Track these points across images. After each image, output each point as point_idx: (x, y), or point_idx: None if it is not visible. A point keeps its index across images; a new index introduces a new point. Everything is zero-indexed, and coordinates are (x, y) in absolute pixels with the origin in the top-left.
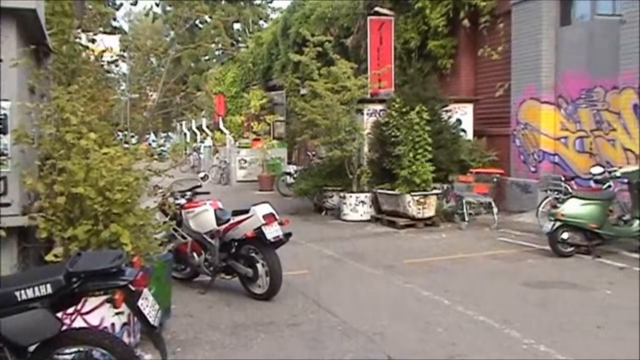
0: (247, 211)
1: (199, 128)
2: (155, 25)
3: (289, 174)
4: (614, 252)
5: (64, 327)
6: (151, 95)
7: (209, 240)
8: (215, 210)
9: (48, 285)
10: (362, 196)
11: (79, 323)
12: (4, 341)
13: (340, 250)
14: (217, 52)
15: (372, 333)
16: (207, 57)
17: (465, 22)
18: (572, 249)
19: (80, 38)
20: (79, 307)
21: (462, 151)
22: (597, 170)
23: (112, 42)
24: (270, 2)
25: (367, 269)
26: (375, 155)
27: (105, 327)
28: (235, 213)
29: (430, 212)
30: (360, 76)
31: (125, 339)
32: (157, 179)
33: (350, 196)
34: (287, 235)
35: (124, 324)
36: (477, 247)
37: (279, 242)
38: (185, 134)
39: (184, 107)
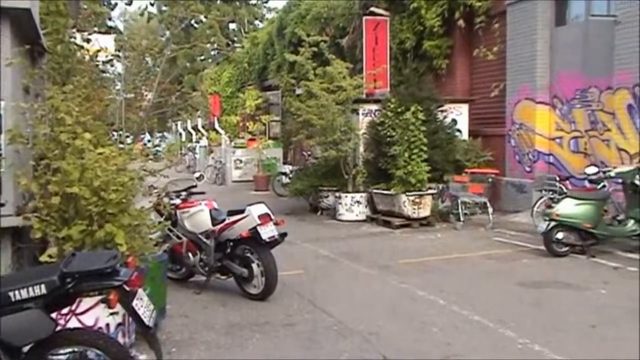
0: (242, 211)
1: (195, 128)
2: (150, 25)
3: (284, 174)
4: (608, 251)
5: (59, 328)
6: (146, 95)
7: (204, 240)
8: (210, 211)
9: (42, 286)
10: (357, 196)
11: (73, 323)
12: None
13: (336, 250)
14: (212, 52)
15: (368, 333)
16: (202, 57)
17: (461, 22)
18: (566, 248)
19: (75, 38)
20: (73, 307)
21: (458, 151)
22: (592, 170)
23: (107, 42)
24: (266, 2)
25: (363, 269)
26: (371, 155)
27: (100, 328)
28: (231, 213)
29: (425, 212)
30: (355, 76)
31: (120, 340)
32: (152, 179)
33: (346, 196)
34: (283, 235)
35: (119, 325)
36: (472, 247)
37: (274, 242)
38: (180, 134)
39: (180, 107)
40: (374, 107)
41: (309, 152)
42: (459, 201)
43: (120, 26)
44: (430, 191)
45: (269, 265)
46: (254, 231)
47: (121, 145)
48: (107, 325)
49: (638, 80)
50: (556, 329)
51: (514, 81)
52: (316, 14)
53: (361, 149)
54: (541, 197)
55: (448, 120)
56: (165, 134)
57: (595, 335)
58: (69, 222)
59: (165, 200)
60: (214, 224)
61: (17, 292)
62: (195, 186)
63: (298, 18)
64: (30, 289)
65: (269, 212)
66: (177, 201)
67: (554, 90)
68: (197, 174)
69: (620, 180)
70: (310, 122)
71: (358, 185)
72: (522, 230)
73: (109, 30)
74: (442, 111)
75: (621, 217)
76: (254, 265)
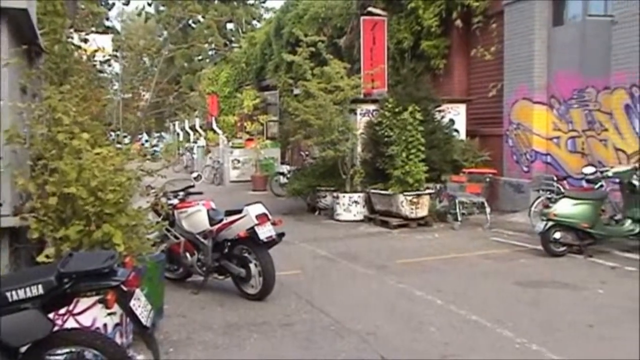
0: (240, 211)
1: (192, 128)
2: (148, 25)
3: (282, 174)
4: (605, 251)
5: (56, 328)
6: (144, 95)
7: (202, 240)
8: (208, 211)
9: (39, 286)
10: (355, 196)
11: (70, 324)
12: None
13: (334, 250)
14: (210, 52)
15: (365, 333)
16: (200, 57)
17: (458, 22)
18: (564, 248)
19: (72, 38)
20: (70, 307)
21: (455, 151)
22: (589, 170)
23: (104, 42)
24: (264, 2)
25: (360, 269)
26: (369, 155)
27: (98, 328)
28: (228, 213)
29: (423, 212)
30: (353, 76)
31: (118, 340)
32: (149, 179)
33: (344, 196)
34: (280, 235)
35: (116, 325)
36: (469, 247)
37: (271, 242)
38: (178, 134)
39: (177, 107)
40: (371, 107)
41: (307, 152)
42: (457, 201)
43: (118, 26)
44: (427, 191)
45: (266, 265)
46: (252, 231)
47: (119, 146)
48: (105, 325)
49: (635, 80)
50: (554, 328)
51: (512, 81)
52: (314, 14)
53: (359, 149)
54: (539, 197)
55: (446, 120)
56: (163, 134)
57: (593, 335)
58: (66, 222)
59: (163, 200)
60: (211, 224)
61: (14, 292)
62: (192, 186)
63: (296, 18)
64: (28, 289)
65: (266, 212)
66: (175, 201)
67: (552, 90)
68: (194, 174)
69: (617, 180)
70: (308, 122)
71: (356, 185)
72: (519, 230)
73: (107, 30)
74: (439, 111)
75: (618, 216)
76: (252, 265)
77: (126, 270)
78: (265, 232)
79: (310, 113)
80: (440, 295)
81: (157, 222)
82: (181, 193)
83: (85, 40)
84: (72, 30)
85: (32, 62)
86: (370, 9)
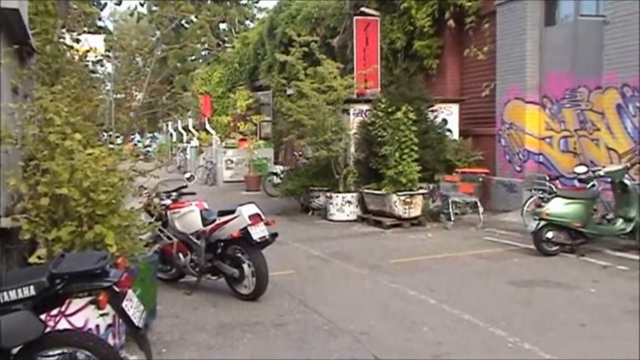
0: (233, 211)
1: (185, 128)
2: (140, 25)
3: (275, 174)
4: (597, 250)
5: (48, 329)
6: (136, 96)
7: (195, 240)
8: (201, 211)
9: (31, 287)
10: (348, 196)
11: (63, 325)
12: None
13: (327, 250)
14: (203, 52)
15: (359, 333)
16: (193, 57)
17: (451, 22)
18: (556, 247)
19: (64, 38)
20: (63, 308)
21: (448, 151)
22: (581, 169)
23: (96, 42)
24: (257, 2)
25: (354, 269)
26: (362, 155)
27: (90, 329)
28: (221, 213)
29: (416, 211)
30: (346, 76)
31: (110, 341)
32: (142, 180)
33: (337, 196)
34: (274, 235)
35: (109, 326)
36: (462, 247)
37: (265, 243)
38: (171, 135)
39: (170, 108)
40: (364, 107)
41: (300, 152)
42: (450, 201)
43: (110, 26)
44: (421, 191)
45: (259, 265)
46: (245, 231)
47: (111, 146)
48: (97, 326)
49: (627, 79)
50: (546, 327)
51: (504, 81)
52: (307, 14)
53: (352, 149)
54: (531, 197)
55: (439, 120)
56: (155, 134)
57: (585, 334)
58: (58, 223)
59: (156, 200)
60: (204, 225)
61: (5, 293)
62: (185, 186)
63: (289, 18)
64: (19, 290)
65: (259, 212)
66: (168, 202)
67: (544, 90)
68: (187, 175)
69: (609, 180)
70: (301, 122)
71: (349, 185)
72: (512, 229)
73: (99, 30)
74: (432, 111)
75: (610, 216)
76: (245, 266)
77: (118, 271)
78: (258, 232)
79: (304, 113)
80: (433, 295)
81: (150, 223)
82: (174, 193)
83: (78, 41)
84: (64, 30)
85: (23, 62)
86: (363, 9)
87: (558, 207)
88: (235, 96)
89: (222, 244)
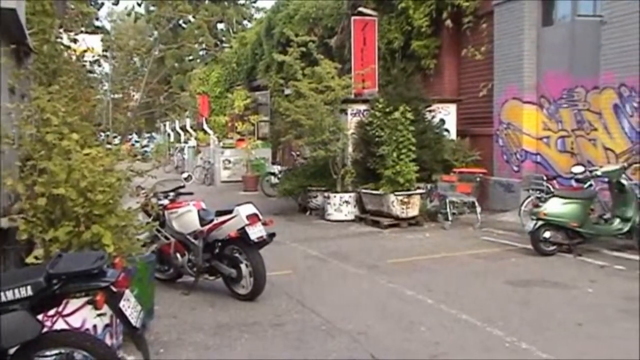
0: (230, 211)
1: (183, 128)
2: (138, 25)
3: (273, 174)
4: (594, 250)
5: (45, 329)
6: (134, 96)
7: (193, 240)
8: (198, 211)
9: (28, 287)
10: (346, 196)
11: (60, 325)
12: None
13: (325, 250)
14: (201, 52)
15: (356, 333)
16: (190, 57)
17: (449, 22)
18: (554, 247)
19: (61, 38)
20: (60, 308)
21: (446, 151)
22: (579, 169)
23: (94, 42)
24: (254, 2)
25: (351, 269)
26: (359, 155)
27: (87, 329)
28: (219, 213)
29: (414, 211)
30: (344, 76)
31: (108, 341)
32: (140, 180)
33: (335, 196)
34: (271, 235)
35: (106, 326)
36: (460, 247)
37: (262, 243)
38: (169, 135)
39: (168, 108)
40: (362, 107)
41: (298, 152)
42: (447, 201)
43: (108, 26)
44: (418, 191)
45: (257, 265)
46: (243, 231)
47: (108, 146)
48: (95, 326)
49: (624, 79)
50: (543, 327)
51: (502, 81)
52: (304, 14)
53: (350, 149)
54: (529, 197)
55: (436, 120)
56: (153, 134)
57: (582, 333)
58: (55, 223)
59: (153, 200)
60: (202, 225)
61: (2, 293)
62: (183, 187)
63: (286, 18)
64: (16, 290)
65: (257, 212)
66: (165, 202)
67: (541, 90)
68: (185, 175)
69: (606, 179)
70: (298, 122)
71: (347, 185)
72: (509, 229)
73: (96, 30)
74: (430, 111)
75: (607, 215)
76: (243, 266)
77: (116, 271)
78: (256, 232)
79: (301, 113)
80: (431, 295)
81: (147, 223)
82: (172, 193)
83: (75, 40)
84: (61, 30)
85: (20, 62)
86: (360, 9)
87: (555, 207)
88: (232, 96)
89: (219, 244)
